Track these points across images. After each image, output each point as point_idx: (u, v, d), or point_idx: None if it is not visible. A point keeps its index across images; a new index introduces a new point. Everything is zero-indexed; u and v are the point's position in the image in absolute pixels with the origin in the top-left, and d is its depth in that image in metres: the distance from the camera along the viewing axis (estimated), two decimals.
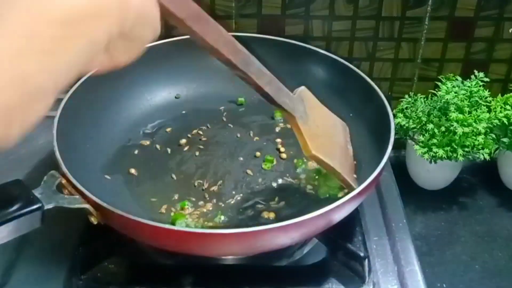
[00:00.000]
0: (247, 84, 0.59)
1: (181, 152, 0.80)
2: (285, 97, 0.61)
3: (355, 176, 0.71)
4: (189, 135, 0.83)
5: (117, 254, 0.70)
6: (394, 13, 0.89)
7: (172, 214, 0.70)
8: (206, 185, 0.75)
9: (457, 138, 0.78)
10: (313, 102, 0.69)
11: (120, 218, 0.59)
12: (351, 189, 0.66)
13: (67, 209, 0.60)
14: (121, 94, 0.83)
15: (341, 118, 0.83)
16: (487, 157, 0.79)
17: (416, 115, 0.83)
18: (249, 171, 0.77)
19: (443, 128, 0.79)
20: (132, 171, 0.76)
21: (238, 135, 0.83)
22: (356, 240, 0.71)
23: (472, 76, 0.85)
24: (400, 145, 0.92)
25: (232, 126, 0.85)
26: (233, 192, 0.74)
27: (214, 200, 0.73)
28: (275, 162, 0.78)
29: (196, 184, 0.75)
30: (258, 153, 0.80)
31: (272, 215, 0.71)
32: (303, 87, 0.67)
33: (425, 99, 0.85)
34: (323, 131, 0.68)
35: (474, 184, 0.92)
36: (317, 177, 0.76)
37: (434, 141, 0.79)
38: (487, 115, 0.81)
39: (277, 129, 0.84)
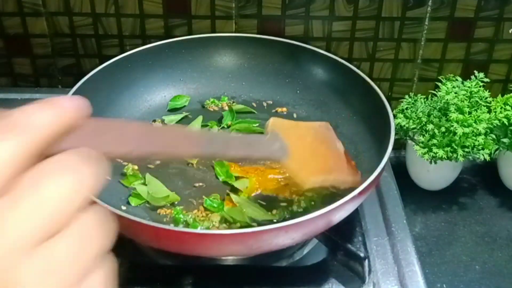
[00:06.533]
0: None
1: None
2: (258, 148, 0.57)
3: (354, 168, 0.70)
4: None
5: (117, 254, 0.70)
6: (394, 14, 0.89)
7: (172, 214, 0.70)
8: (206, 186, 0.75)
9: (457, 138, 0.78)
10: (286, 126, 0.65)
11: (120, 218, 0.59)
12: (356, 183, 0.64)
13: None
14: (121, 94, 0.83)
15: (341, 118, 0.83)
16: (487, 158, 0.79)
17: (416, 116, 0.83)
18: None
19: (443, 129, 0.79)
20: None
21: None
22: (356, 240, 0.71)
23: (472, 77, 0.85)
24: (400, 146, 0.93)
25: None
26: None
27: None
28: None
29: (196, 185, 0.75)
30: None
31: (273, 216, 0.71)
32: (271, 119, 0.64)
33: (425, 100, 0.85)
34: (307, 150, 0.65)
35: (474, 185, 0.92)
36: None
37: (434, 141, 0.79)
38: (487, 115, 0.81)
39: None
